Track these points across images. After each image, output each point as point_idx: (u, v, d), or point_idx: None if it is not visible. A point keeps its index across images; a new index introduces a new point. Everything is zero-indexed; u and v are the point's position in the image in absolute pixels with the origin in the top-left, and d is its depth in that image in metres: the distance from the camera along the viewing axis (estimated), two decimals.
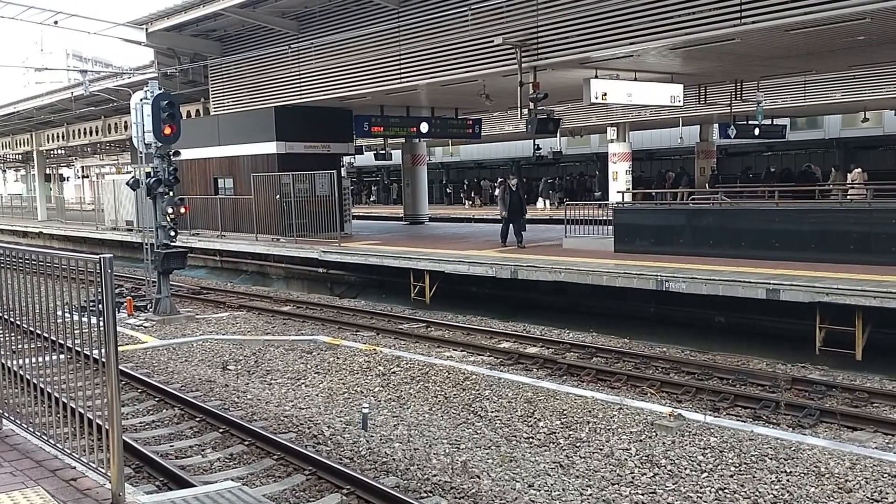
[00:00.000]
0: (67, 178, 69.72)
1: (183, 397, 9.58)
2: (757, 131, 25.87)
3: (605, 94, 15.63)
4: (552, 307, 15.34)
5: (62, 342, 4.97)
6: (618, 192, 24.20)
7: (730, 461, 7.35)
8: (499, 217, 19.31)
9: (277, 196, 21.29)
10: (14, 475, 4.85)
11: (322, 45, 19.59)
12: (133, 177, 16.41)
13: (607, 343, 12.84)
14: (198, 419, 8.93)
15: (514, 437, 8.37)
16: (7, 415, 5.67)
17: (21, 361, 5.40)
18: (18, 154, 47.48)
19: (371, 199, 53.30)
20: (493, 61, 15.60)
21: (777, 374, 10.56)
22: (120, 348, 10.67)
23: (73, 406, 4.85)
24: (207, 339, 13.67)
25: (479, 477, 7.19)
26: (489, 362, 11.92)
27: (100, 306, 4.30)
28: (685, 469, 7.25)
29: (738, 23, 12.05)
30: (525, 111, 15.49)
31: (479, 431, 8.57)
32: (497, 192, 17.93)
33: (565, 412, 8.93)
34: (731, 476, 7.06)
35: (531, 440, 8.25)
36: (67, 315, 4.91)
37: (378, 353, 12.03)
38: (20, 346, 5.48)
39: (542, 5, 14.57)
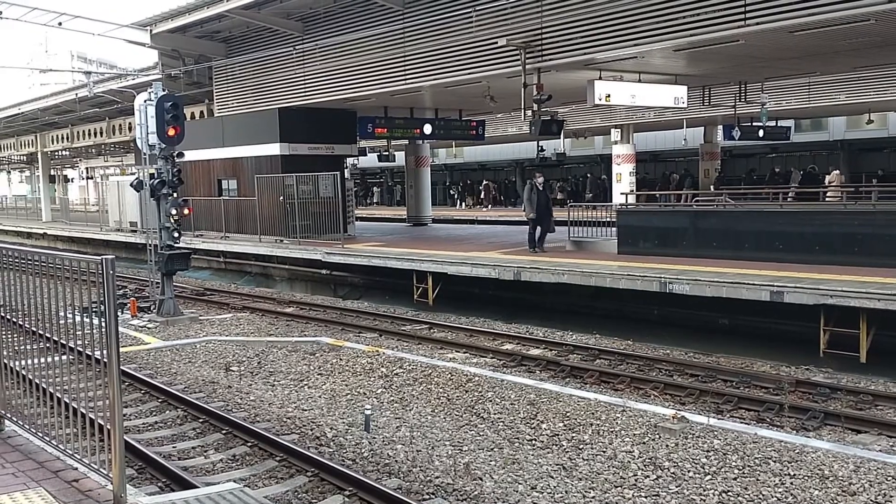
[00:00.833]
0: (72, 179, 69.91)
1: (186, 398, 9.58)
2: (761, 133, 25.82)
3: (609, 96, 15.62)
4: (555, 309, 15.32)
5: (65, 343, 4.97)
6: (621, 193, 24.17)
7: (733, 464, 7.33)
8: (508, 219, 19.19)
9: (281, 197, 21.31)
10: (16, 476, 4.85)
11: (326, 47, 19.60)
12: (137, 178, 16.45)
13: (610, 345, 12.82)
14: (201, 420, 8.93)
15: (517, 439, 8.35)
16: (10, 416, 5.67)
17: (24, 362, 5.41)
18: (23, 155, 47.60)
19: (374, 200, 53.32)
20: (498, 63, 15.60)
21: (781, 377, 10.53)
22: (123, 349, 10.69)
23: (76, 407, 4.85)
24: (211, 340, 13.68)
25: (481, 479, 7.18)
26: (492, 364, 11.91)
27: (102, 307, 4.30)
28: (688, 472, 7.23)
29: (742, 24, 12.03)
30: (529, 113, 15.49)
31: (481, 433, 8.55)
32: (524, 193, 17.25)
33: (568, 414, 8.91)
34: (735, 479, 7.03)
35: (534, 442, 8.24)
36: (70, 316, 4.91)
37: (381, 354, 12.02)
38: (23, 346, 5.48)
39: (547, 7, 14.57)
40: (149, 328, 15.06)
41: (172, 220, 15.61)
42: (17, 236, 37.19)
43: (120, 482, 4.38)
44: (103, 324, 4.35)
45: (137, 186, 16.16)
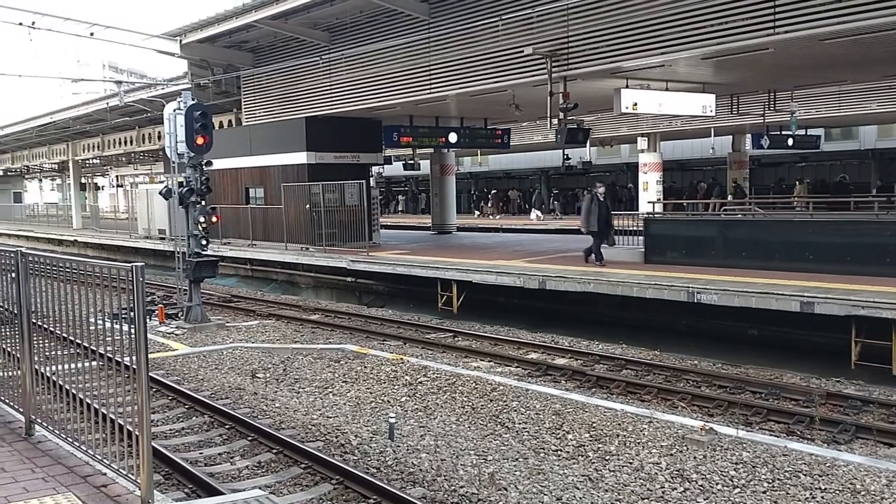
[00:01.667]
0: (102, 187, 70.93)
1: (212, 405, 9.63)
2: (791, 142, 25.56)
3: (636, 104, 15.56)
4: (581, 318, 15.23)
5: (94, 349, 5.02)
6: (648, 202, 24.03)
7: (763, 477, 7.22)
8: (527, 227, 19.04)
9: (307, 206, 21.43)
10: (46, 481, 4.90)
11: (352, 56, 19.72)
12: (166, 186, 16.61)
13: (637, 355, 12.71)
14: (227, 427, 8.98)
15: (542, 449, 8.30)
16: (40, 421, 5.73)
17: (54, 368, 5.47)
18: (55, 163, 48.39)
19: (399, 208, 53.50)
20: (523, 71, 15.59)
21: (811, 389, 10.38)
22: (151, 355, 10.78)
23: (105, 412, 4.89)
24: (237, 346, 13.76)
25: (506, 489, 7.14)
26: (517, 373, 11.86)
27: (131, 314, 4.34)
28: (717, 484, 7.14)
29: (771, 32, 11.91)
30: (555, 121, 15.46)
31: (506, 443, 8.51)
32: (583, 203, 16.48)
33: (594, 425, 8.84)
34: (765, 492, 6.93)
35: (559, 453, 8.18)
36: (100, 322, 4.96)
37: (405, 362, 12.02)
38: (53, 352, 5.55)
39: (573, 15, 14.54)
40: (176, 335, 15.19)
41: (200, 228, 15.74)
42: (48, 243, 37.75)
43: (147, 488, 4.41)
44: (132, 330, 4.39)
45: (166, 194, 16.32)
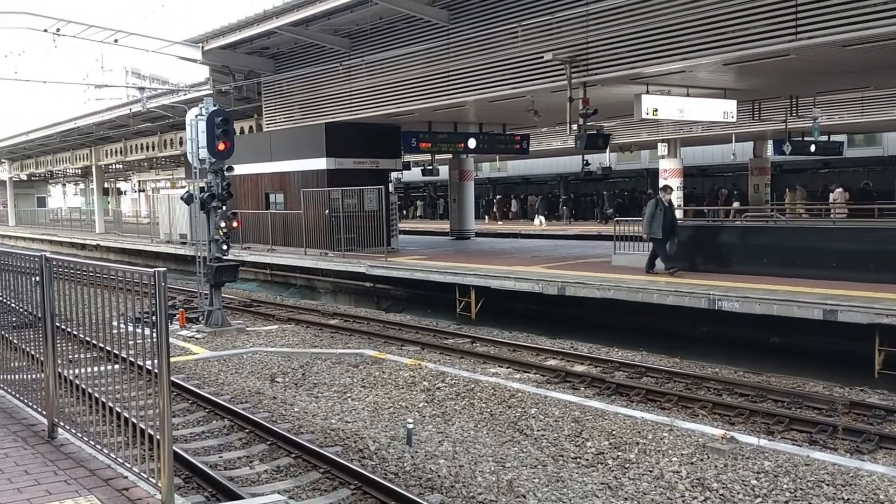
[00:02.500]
0: (124, 192, 71.61)
1: (232, 408, 9.69)
2: (813, 148, 25.33)
3: (657, 110, 15.49)
4: (600, 325, 15.16)
5: (117, 353, 5.07)
6: None
7: (785, 486, 7.15)
8: (546, 233, 18.91)
9: (326, 211, 21.52)
10: (68, 483, 4.94)
11: (372, 63, 19.80)
12: (187, 191, 16.75)
13: (657, 362, 12.63)
14: (246, 431, 9.03)
15: (561, 456, 8.26)
16: (63, 424, 5.79)
17: (77, 371, 5.52)
18: (78, 168, 48.94)
19: (417, 213, 53.59)
20: (543, 77, 15.57)
21: (834, 398, 10.26)
22: (172, 359, 10.86)
23: (126, 416, 4.93)
24: (257, 351, 13.83)
25: (525, 496, 7.11)
26: (535, 380, 11.82)
27: (153, 318, 4.37)
28: (738, 494, 7.07)
29: (793, 38, 11.83)
30: (574, 127, 15.43)
31: (524, 450, 8.48)
32: (647, 208, 15.45)
33: (614, 432, 8.79)
34: (787, 502, 6.86)
35: (578, 460, 8.14)
36: (122, 326, 5.01)
37: (423, 367, 12.02)
38: (77, 355, 5.60)
39: (593, 21, 14.52)
40: (197, 338, 15.29)
41: (221, 233, 15.86)
42: (71, 247, 38.16)
43: (168, 491, 4.43)
44: (154, 334, 4.42)
45: (188, 199, 16.46)
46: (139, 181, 66.04)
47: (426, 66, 18.20)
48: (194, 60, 23.06)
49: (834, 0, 11.31)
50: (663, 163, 27.02)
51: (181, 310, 17.21)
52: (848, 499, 6.83)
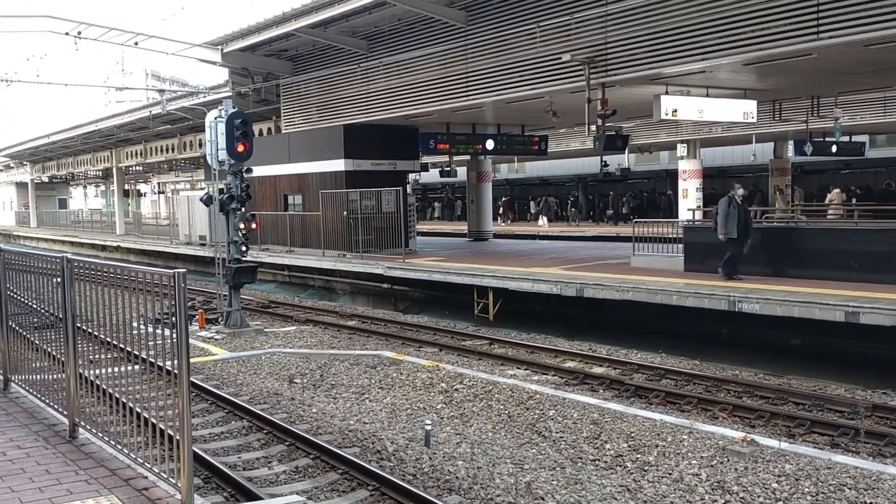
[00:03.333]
0: (144, 193, 72.21)
1: (251, 409, 9.72)
2: (834, 148, 25.07)
3: (676, 111, 15.40)
4: (619, 327, 15.09)
5: (137, 353, 5.10)
6: (688, 209, 23.76)
7: (806, 490, 7.07)
8: (564, 234, 18.83)
9: (344, 212, 21.58)
10: (89, 483, 4.98)
11: (390, 64, 19.84)
12: (207, 193, 16.84)
13: (677, 364, 12.55)
14: (265, 431, 9.06)
15: (580, 458, 8.22)
16: (83, 424, 5.83)
17: (97, 372, 5.56)
18: (99, 170, 49.42)
19: (435, 215, 53.63)
20: (561, 78, 15.53)
21: (856, 401, 10.14)
22: (191, 360, 10.93)
23: (146, 416, 4.96)
24: (275, 352, 13.88)
25: (543, 499, 7.09)
26: (553, 381, 11.78)
27: (173, 319, 4.40)
28: (758, 497, 7.00)
29: (815, 38, 11.72)
30: (593, 128, 15.37)
31: (543, 452, 8.45)
32: (719, 207, 14.55)
33: (633, 435, 8.74)
34: None
35: (597, 462, 8.10)
36: (142, 327, 5.04)
37: (441, 369, 12.01)
38: (97, 356, 5.64)
39: (612, 21, 14.46)
40: (216, 339, 15.37)
41: (240, 234, 15.93)
42: (91, 249, 38.51)
43: (188, 491, 4.45)
44: (174, 335, 4.45)
45: (207, 201, 16.54)
46: (159, 183, 66.59)
47: (444, 67, 18.21)
48: (214, 63, 23.23)
49: None
50: (682, 164, 26.85)
51: (200, 311, 17.31)
52: (870, 503, 6.75)
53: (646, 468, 7.84)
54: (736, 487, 7.20)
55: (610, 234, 30.37)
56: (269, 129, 27.27)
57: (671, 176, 35.87)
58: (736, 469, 7.63)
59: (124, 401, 5.22)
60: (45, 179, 57.05)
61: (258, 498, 6.53)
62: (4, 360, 7.37)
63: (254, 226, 16.43)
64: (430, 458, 8.13)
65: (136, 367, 5.13)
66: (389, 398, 10.75)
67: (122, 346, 5.25)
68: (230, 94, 23.67)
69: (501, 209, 45.15)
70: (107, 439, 5.45)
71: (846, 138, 25.60)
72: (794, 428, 9.28)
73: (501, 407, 10.09)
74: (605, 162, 22.90)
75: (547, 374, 12.28)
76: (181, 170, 50.08)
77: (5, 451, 5.64)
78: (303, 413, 10.02)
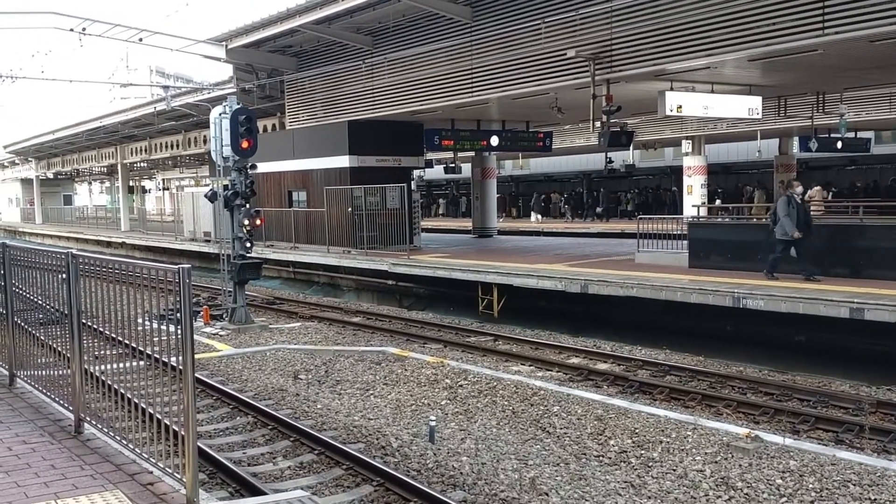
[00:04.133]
0: (149, 190, 72.34)
1: (255, 405, 9.75)
2: (840, 145, 24.98)
3: (681, 107, 15.37)
4: (623, 323, 15.08)
5: (141, 349, 5.11)
6: (693, 206, 23.72)
7: (810, 486, 7.07)
8: (569, 231, 18.79)
9: (349, 209, 21.59)
10: (94, 478, 5.00)
11: (395, 60, 19.82)
12: (211, 189, 16.86)
13: (681, 361, 12.55)
14: (269, 427, 9.08)
15: (584, 454, 8.23)
16: (89, 419, 5.86)
17: (103, 367, 5.58)
18: (104, 167, 49.51)
19: (440, 211, 53.62)
20: (566, 74, 15.51)
21: (861, 397, 10.13)
22: (196, 356, 10.98)
23: (151, 412, 4.98)
24: (280, 348, 13.91)
25: (547, 494, 7.09)
26: (558, 378, 11.78)
27: (178, 315, 4.41)
28: (763, 493, 7.00)
29: (820, 33, 11.68)
30: (597, 124, 15.35)
31: (547, 448, 8.46)
32: (778, 206, 13.89)
33: (637, 431, 8.74)
34: (812, 502, 6.78)
35: (601, 458, 8.11)
36: (147, 323, 5.05)
37: (445, 365, 12.02)
38: (102, 352, 5.66)
39: (616, 17, 14.43)
40: (221, 335, 15.40)
41: (245, 231, 15.95)
42: (96, 245, 38.60)
43: (193, 486, 4.47)
44: (179, 331, 4.46)
45: (212, 197, 16.56)
46: (163, 179, 66.68)
47: (449, 63, 18.19)
48: (218, 59, 23.22)
49: None
50: (687, 160, 26.81)
51: (205, 307, 17.34)
52: (875, 499, 6.74)
53: (650, 464, 7.84)
54: (740, 483, 7.20)
55: (615, 230, 30.33)
56: (274, 125, 27.28)
57: (676, 172, 35.81)
58: (740, 465, 7.63)
59: (129, 396, 5.24)
60: (50, 176, 57.15)
61: (263, 493, 6.56)
62: (10, 355, 7.40)
63: (258, 222, 16.44)
64: (435, 454, 8.15)
65: (141, 362, 5.14)
66: (394, 394, 10.76)
67: (127, 342, 5.26)
68: (234, 90, 23.67)
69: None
70: (112, 434, 5.47)
71: (851, 134, 25.51)
72: (798, 424, 9.27)
73: (506, 403, 10.10)
74: (610, 158, 22.89)
75: (551, 371, 12.29)
76: (186, 166, 50.14)
77: (11, 446, 5.66)
78: (307, 409, 10.04)
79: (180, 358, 4.48)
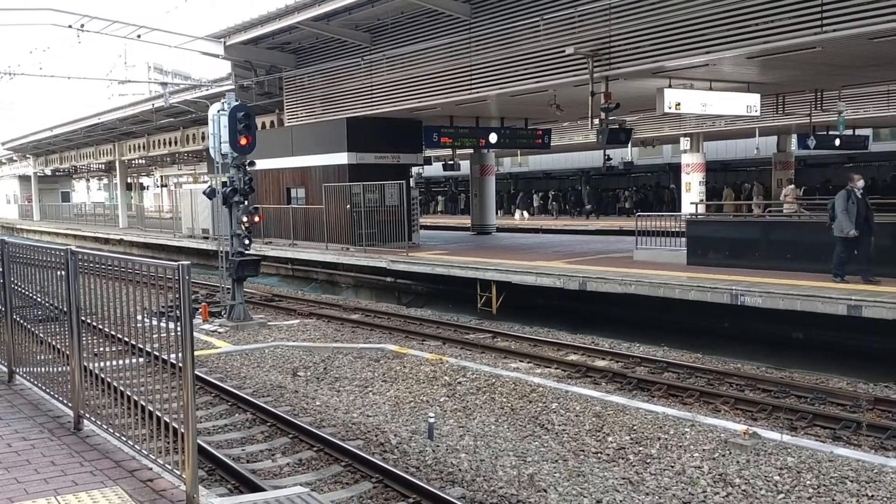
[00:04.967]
0: (147, 187, 72.25)
1: (254, 402, 9.76)
2: (838, 142, 25.02)
3: (679, 104, 15.38)
4: (621, 320, 15.10)
5: (140, 346, 5.12)
6: (691, 203, 23.75)
7: (808, 482, 7.09)
8: (567, 228, 18.80)
9: (348, 206, 21.59)
10: (94, 474, 5.01)
11: (394, 57, 19.81)
12: (210, 186, 16.84)
13: (679, 358, 12.57)
14: (268, 424, 9.09)
15: (582, 451, 8.25)
16: (88, 416, 5.86)
17: (101, 364, 5.59)
18: (102, 163, 49.46)
19: (438, 208, 53.62)
20: (565, 71, 15.51)
21: (858, 394, 10.15)
22: (195, 353, 10.96)
23: (151, 409, 4.99)
24: (278, 345, 13.91)
25: (545, 491, 7.11)
26: (556, 375, 11.81)
27: (177, 312, 4.41)
28: (760, 489, 7.03)
29: (819, 31, 11.69)
30: (596, 121, 15.36)
31: (545, 445, 8.48)
32: (836, 200, 13.05)
33: (635, 427, 8.76)
34: (810, 498, 6.80)
35: (599, 455, 8.13)
36: (146, 320, 5.06)
37: (444, 362, 12.04)
38: (101, 349, 5.67)
39: (615, 14, 14.43)
40: (219, 332, 15.41)
41: (243, 228, 15.95)
42: (94, 242, 38.57)
43: (192, 483, 4.48)
44: (178, 328, 4.46)
45: (210, 194, 16.55)
46: (162, 176, 66.59)
47: (447, 60, 18.19)
48: (216, 56, 23.20)
49: None
50: (685, 157, 26.84)
51: (204, 304, 17.34)
52: (872, 495, 6.77)
53: (648, 461, 7.86)
54: (738, 480, 7.23)
55: (613, 227, 30.35)
56: (272, 122, 27.25)
57: (674, 170, 35.82)
58: (738, 462, 7.65)
59: (129, 393, 5.25)
60: (48, 173, 57.09)
61: (262, 490, 6.57)
62: (9, 352, 7.41)
63: (257, 219, 16.45)
64: (434, 451, 8.17)
65: (141, 359, 5.15)
66: (393, 391, 10.78)
67: (126, 339, 5.27)
68: (233, 87, 23.64)
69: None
70: (111, 431, 5.48)
71: (850, 132, 25.55)
72: (795, 421, 9.30)
73: (504, 400, 10.12)
74: (609, 156, 22.90)
75: (550, 368, 12.30)
76: (184, 163, 50.10)
77: (11, 442, 5.67)
78: (306, 406, 10.05)
79: (179, 355, 4.48)
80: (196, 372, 9.79)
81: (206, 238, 26.80)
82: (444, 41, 18.18)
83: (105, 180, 65.75)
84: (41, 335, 6.75)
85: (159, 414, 4.88)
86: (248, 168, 16.08)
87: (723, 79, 16.32)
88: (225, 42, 22.38)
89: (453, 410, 9.83)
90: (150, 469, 5.04)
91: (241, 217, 15.90)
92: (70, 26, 20.18)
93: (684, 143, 26.81)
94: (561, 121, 25.59)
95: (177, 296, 4.43)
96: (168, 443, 4.77)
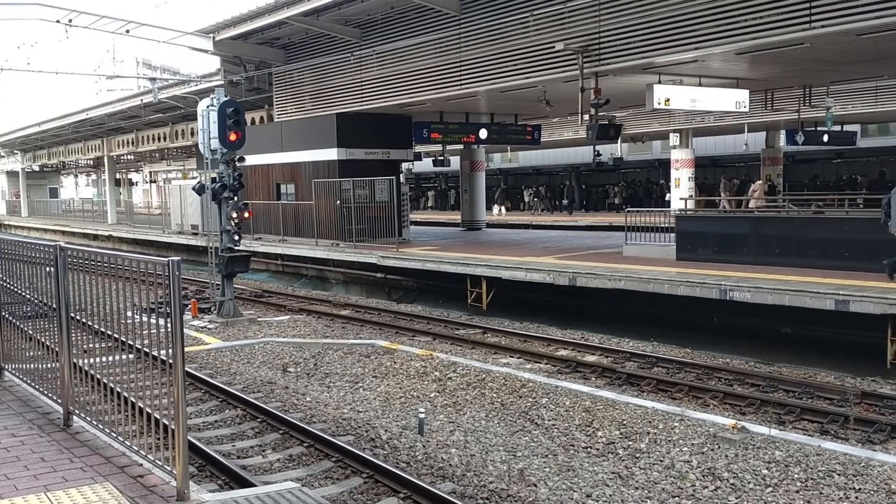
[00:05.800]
0: (136, 182, 71.92)
1: (245, 398, 9.75)
2: (826, 138, 25.14)
3: (669, 100, 15.43)
4: (611, 315, 15.16)
5: (130, 342, 5.11)
6: (680, 198, 23.84)
7: (796, 476, 7.15)
8: (557, 224, 18.84)
9: (338, 202, 21.56)
10: (84, 471, 5.00)
11: (383, 53, 19.79)
12: (199, 182, 16.79)
13: (668, 353, 12.62)
14: (259, 420, 9.09)
15: (572, 446, 8.29)
16: (78, 412, 5.85)
17: (91, 361, 5.57)
18: (90, 159, 49.17)
19: (428, 204, 53.60)
20: (554, 67, 15.53)
21: (846, 388, 10.23)
22: (185, 349, 10.93)
23: (141, 405, 4.98)
24: (269, 341, 13.90)
25: (535, 485, 7.14)
26: (546, 370, 11.84)
27: (167, 308, 4.41)
28: (748, 483, 7.08)
29: (807, 27, 11.75)
30: (586, 117, 15.39)
31: (535, 439, 8.51)
32: (890, 200, 12.22)
33: (624, 422, 8.81)
34: (797, 492, 6.86)
35: (589, 450, 8.16)
36: (136, 316, 5.05)
37: (434, 358, 12.05)
38: (91, 345, 5.65)
39: (605, 10, 14.46)
40: (209, 329, 15.37)
41: (233, 224, 15.91)
42: (83, 238, 38.38)
43: (183, 479, 4.48)
44: (168, 324, 4.46)
45: (199, 190, 16.50)
46: (151, 172, 66.31)
47: (437, 56, 18.18)
48: (205, 51, 23.10)
49: None
50: (675, 153, 26.93)
51: (193, 300, 17.30)
52: (859, 489, 6.83)
53: (637, 455, 7.91)
54: (726, 474, 7.28)
55: (603, 223, 30.43)
56: (262, 117, 27.17)
57: (664, 165, 35.92)
58: (726, 456, 7.70)
59: (118, 390, 5.24)
60: (36, 168, 56.74)
61: (253, 485, 6.57)
62: None
63: (246, 215, 16.40)
64: (424, 446, 8.18)
65: (130, 356, 5.14)
66: (383, 387, 10.79)
67: (115, 335, 5.26)
68: (222, 82, 23.55)
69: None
70: (101, 427, 5.47)
71: (838, 128, 25.68)
72: (784, 415, 9.36)
73: (494, 395, 10.15)
74: (598, 152, 22.94)
75: (540, 363, 12.34)
76: (173, 159, 49.87)
77: (0, 439, 5.65)
78: (297, 402, 10.05)
79: (170, 351, 4.48)
80: (186, 368, 9.78)
81: (196, 234, 26.72)
82: (433, 37, 18.17)
83: (93, 176, 65.42)
84: (30, 332, 6.72)
85: (149, 410, 4.87)
86: (238, 164, 16.04)
87: (712, 75, 16.38)
88: (214, 37, 22.29)
89: (444, 406, 9.85)
90: (141, 465, 5.04)
91: (231, 213, 15.86)
92: (58, 21, 20.07)
93: (674, 139, 26.90)
94: (551, 117, 25.62)
95: (167, 292, 4.42)
96: (158, 439, 4.77)
